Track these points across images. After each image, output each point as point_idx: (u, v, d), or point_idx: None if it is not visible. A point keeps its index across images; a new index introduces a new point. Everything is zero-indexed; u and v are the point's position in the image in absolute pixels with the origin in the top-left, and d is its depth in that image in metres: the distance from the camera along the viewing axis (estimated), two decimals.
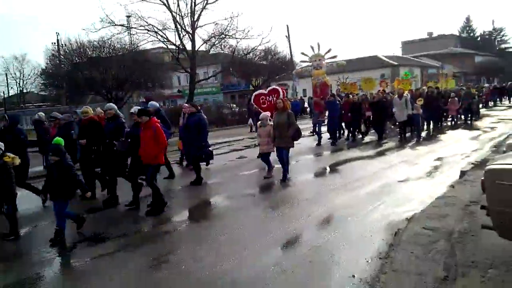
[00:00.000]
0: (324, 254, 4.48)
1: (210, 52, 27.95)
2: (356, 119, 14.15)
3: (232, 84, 49.56)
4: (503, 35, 77.59)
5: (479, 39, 78.27)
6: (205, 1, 23.32)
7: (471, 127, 16.20)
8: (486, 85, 36.04)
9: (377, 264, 4.13)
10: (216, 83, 49.64)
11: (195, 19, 23.52)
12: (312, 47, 15.15)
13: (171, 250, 5.03)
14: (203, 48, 26.19)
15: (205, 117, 8.94)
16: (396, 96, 13.88)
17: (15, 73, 55.07)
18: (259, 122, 8.90)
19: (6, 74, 53.08)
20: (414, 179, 7.94)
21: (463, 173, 7.66)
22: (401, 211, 5.84)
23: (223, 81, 49.52)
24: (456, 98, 17.02)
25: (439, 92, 17.17)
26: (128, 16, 23.01)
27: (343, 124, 14.67)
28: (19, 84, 55.68)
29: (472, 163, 8.53)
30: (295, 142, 8.51)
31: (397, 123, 14.39)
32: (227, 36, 24.61)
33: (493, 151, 10.06)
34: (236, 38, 24.80)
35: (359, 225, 5.39)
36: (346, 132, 14.96)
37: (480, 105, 22.66)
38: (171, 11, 22.97)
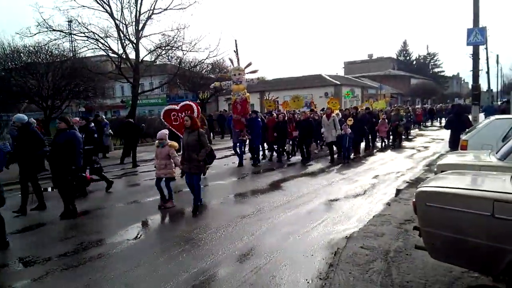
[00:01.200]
0: (265, 276, 4.41)
1: (157, 63, 27.36)
2: (281, 139, 13.50)
3: (179, 96, 48.81)
4: (436, 60, 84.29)
5: (414, 62, 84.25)
6: (151, 11, 22.88)
7: (397, 149, 16.40)
8: (418, 106, 38.23)
9: (317, 285, 4.13)
10: (162, 94, 48.64)
11: (139, 28, 22.94)
12: (231, 60, 13.92)
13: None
14: (148, 58, 25.59)
15: (79, 134, 7.55)
16: (324, 116, 13.68)
17: None
18: (156, 141, 7.80)
19: None
20: (348, 197, 8.19)
21: (398, 191, 8.04)
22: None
23: (169, 92, 48.67)
24: (386, 120, 17.01)
25: (369, 112, 16.84)
26: (69, 22, 21.95)
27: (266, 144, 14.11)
28: None
29: (407, 181, 8.99)
30: (210, 165, 7.96)
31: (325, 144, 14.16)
32: (174, 48, 24.27)
33: (426, 170, 10.70)
34: (183, 50, 24.53)
35: (299, 244, 5.41)
36: (270, 152, 14.23)
37: (412, 126, 23.68)
38: (114, 19, 22.21)
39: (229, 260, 4.96)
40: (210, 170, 11.26)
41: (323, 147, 16.16)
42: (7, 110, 23.98)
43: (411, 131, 23.15)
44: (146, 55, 24.52)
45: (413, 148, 16.48)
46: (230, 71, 13.57)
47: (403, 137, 18.88)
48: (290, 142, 14.50)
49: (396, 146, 17.20)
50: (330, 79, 41.76)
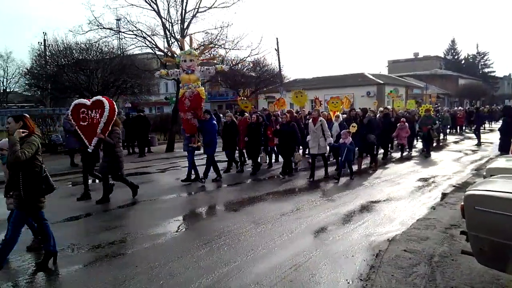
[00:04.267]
0: (305, 274, 4.44)
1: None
2: (254, 145, 11.07)
3: (220, 93, 49.59)
4: (486, 59, 79.96)
5: (463, 61, 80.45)
6: (196, 10, 23.30)
7: (425, 159, 13.67)
8: (459, 108, 32.54)
9: (357, 286, 4.11)
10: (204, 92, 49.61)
11: (184, 27, 23.50)
12: (179, 42, 10.29)
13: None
14: None
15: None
16: (310, 120, 10.47)
17: None
18: None
19: None
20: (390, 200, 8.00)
21: (444, 195, 7.78)
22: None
23: (210, 89, 49.53)
24: (406, 123, 13.97)
25: (386, 115, 13.92)
26: (118, 20, 22.86)
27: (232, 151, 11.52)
28: (3, 83, 54.56)
29: (454, 186, 8.67)
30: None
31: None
32: (216, 46, 24.66)
33: (473, 174, 10.25)
34: (225, 48, 24.85)
35: (340, 245, 5.38)
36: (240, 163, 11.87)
37: (448, 131, 21.57)
38: (161, 17, 22.87)
39: (269, 255, 5.02)
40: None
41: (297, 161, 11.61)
42: (59, 104, 25.49)
43: (446, 136, 21.00)
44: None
45: (459, 151, 15.79)
46: (179, 56, 10.25)
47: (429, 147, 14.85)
48: (263, 151, 12.04)
49: (425, 155, 14.22)
50: (373, 78, 40.74)
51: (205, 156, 10.23)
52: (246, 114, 12.01)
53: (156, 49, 23.65)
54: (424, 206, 7.26)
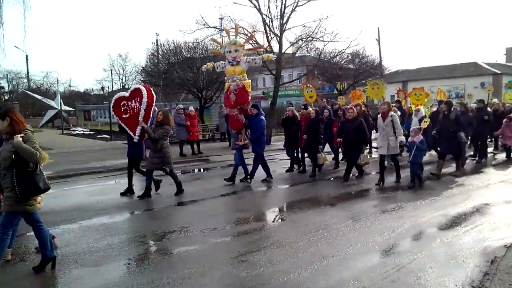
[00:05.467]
0: (409, 275, 4.25)
1: (296, 55, 28.02)
2: (312, 144, 10.00)
3: (316, 87, 49.19)
4: None
5: None
6: (295, 4, 23.44)
7: None
8: None
9: None
10: (299, 86, 49.72)
11: (284, 22, 23.78)
12: (223, 31, 9.24)
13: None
14: (289, 50, 26.37)
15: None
16: (379, 115, 9.07)
17: (119, 70, 61.19)
18: None
19: (111, 70, 59.20)
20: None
21: None
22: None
23: (307, 83, 49.41)
24: None
25: (481, 108, 11.93)
26: (221, 18, 24.09)
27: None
28: (122, 80, 61.58)
29: None
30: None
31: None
32: (314, 39, 24.48)
33: None
34: (324, 41, 24.52)
35: (448, 248, 5.02)
36: (298, 163, 10.88)
37: None
38: (261, 14, 23.48)
39: (369, 253, 4.91)
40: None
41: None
42: (169, 99, 27.81)
43: None
44: (288, 47, 25.31)
45: None
46: (223, 47, 9.63)
47: None
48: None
49: None
50: (488, 67, 36.48)
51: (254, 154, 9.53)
52: (310, 109, 10.60)
53: (256, 45, 24.42)
54: None
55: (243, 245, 5.29)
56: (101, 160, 13.39)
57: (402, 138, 8.73)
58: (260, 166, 9.46)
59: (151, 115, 7.95)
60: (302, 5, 23.53)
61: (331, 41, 24.36)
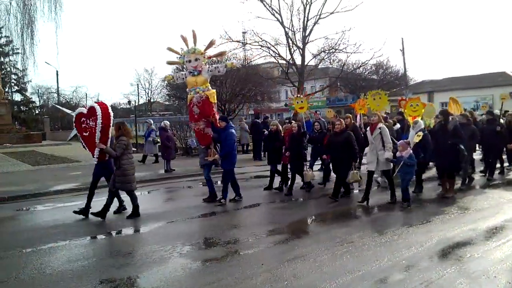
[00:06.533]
0: None
1: (319, 67, 28.08)
2: (296, 159, 9.26)
3: (338, 98, 48.94)
4: None
5: None
6: (318, 16, 23.67)
7: None
8: None
9: None
10: (322, 97, 49.58)
11: (306, 34, 23.97)
12: (183, 38, 8.46)
13: None
14: (312, 62, 26.48)
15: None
16: (368, 128, 8.41)
17: (145, 84, 62.74)
18: None
19: (137, 84, 60.94)
20: None
21: None
22: None
23: (330, 95, 49.19)
24: None
25: (491, 120, 10.76)
26: (244, 33, 24.49)
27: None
28: (148, 94, 63.06)
29: None
30: None
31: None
32: (337, 51, 24.51)
33: None
34: (347, 53, 24.56)
35: (479, 263, 4.85)
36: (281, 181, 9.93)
37: None
38: (284, 27, 23.82)
39: (396, 267, 4.79)
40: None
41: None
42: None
43: None
44: (310, 59, 25.45)
45: None
46: (182, 56, 8.70)
47: None
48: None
49: None
50: None
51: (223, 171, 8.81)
52: (293, 122, 9.99)
53: (278, 57, 24.67)
54: None
55: (266, 258, 5.26)
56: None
57: (389, 153, 7.78)
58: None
59: (108, 136, 7.43)
60: (325, 17, 23.80)
61: (354, 53, 24.45)
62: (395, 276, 4.57)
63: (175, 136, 18.13)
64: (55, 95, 52.96)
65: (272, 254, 5.46)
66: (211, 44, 8.62)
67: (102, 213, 7.43)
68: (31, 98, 51.03)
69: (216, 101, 8.83)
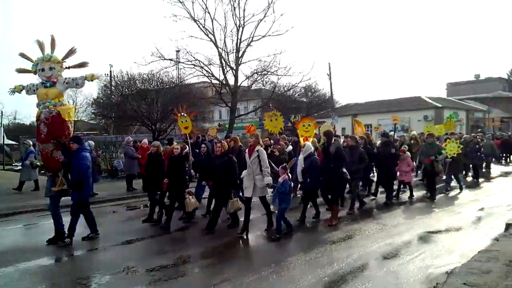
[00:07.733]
0: None
1: (252, 88, 28.74)
2: (177, 186, 8.21)
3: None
4: None
5: None
6: (250, 39, 24.33)
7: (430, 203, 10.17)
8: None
9: None
10: (255, 118, 50.51)
11: (239, 55, 24.47)
12: (39, 43, 7.20)
13: None
14: (245, 83, 27.04)
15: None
16: (247, 150, 7.74)
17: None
18: None
19: None
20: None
21: (508, 226, 7.25)
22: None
23: (262, 116, 50.27)
24: (408, 153, 10.85)
25: (386, 142, 10.45)
26: (177, 51, 24.39)
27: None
28: None
29: None
30: None
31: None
32: (269, 73, 25.31)
33: None
34: (278, 75, 25.44)
35: (395, 276, 5.20)
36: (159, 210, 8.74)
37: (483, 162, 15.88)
38: (217, 47, 24.11)
39: (317, 286, 4.96)
40: None
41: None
42: (121, 131, 27.16)
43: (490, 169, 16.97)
44: (243, 80, 25.97)
45: None
46: (35, 64, 7.25)
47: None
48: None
49: (429, 196, 10.64)
50: (430, 101, 39.20)
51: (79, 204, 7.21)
52: (174, 143, 9.35)
53: (212, 77, 24.83)
54: (486, 237, 6.80)
55: (202, 281, 5.15)
56: (42, 198, 12.23)
57: (268, 178, 7.20)
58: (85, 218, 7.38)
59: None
60: (257, 40, 24.49)
61: (284, 75, 25.40)
62: None
63: (99, 157, 17.24)
64: None
65: (199, 277, 5.36)
66: (71, 52, 7.25)
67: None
68: None
69: (72, 119, 7.39)
